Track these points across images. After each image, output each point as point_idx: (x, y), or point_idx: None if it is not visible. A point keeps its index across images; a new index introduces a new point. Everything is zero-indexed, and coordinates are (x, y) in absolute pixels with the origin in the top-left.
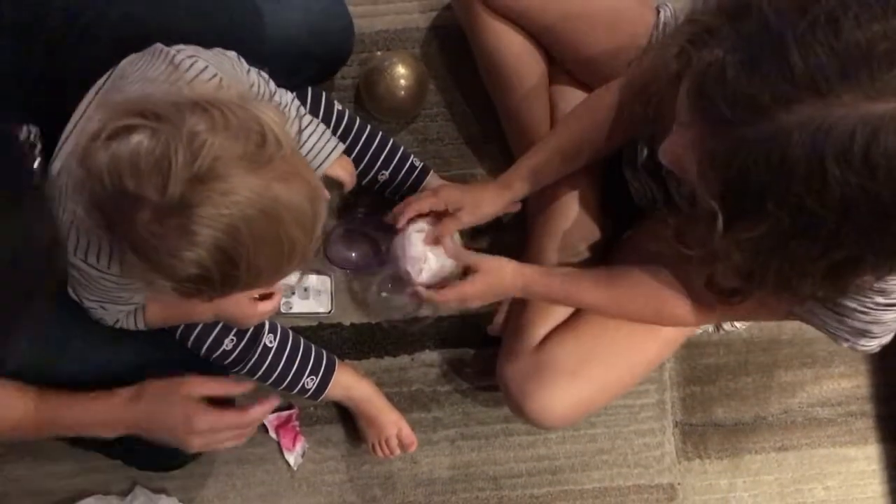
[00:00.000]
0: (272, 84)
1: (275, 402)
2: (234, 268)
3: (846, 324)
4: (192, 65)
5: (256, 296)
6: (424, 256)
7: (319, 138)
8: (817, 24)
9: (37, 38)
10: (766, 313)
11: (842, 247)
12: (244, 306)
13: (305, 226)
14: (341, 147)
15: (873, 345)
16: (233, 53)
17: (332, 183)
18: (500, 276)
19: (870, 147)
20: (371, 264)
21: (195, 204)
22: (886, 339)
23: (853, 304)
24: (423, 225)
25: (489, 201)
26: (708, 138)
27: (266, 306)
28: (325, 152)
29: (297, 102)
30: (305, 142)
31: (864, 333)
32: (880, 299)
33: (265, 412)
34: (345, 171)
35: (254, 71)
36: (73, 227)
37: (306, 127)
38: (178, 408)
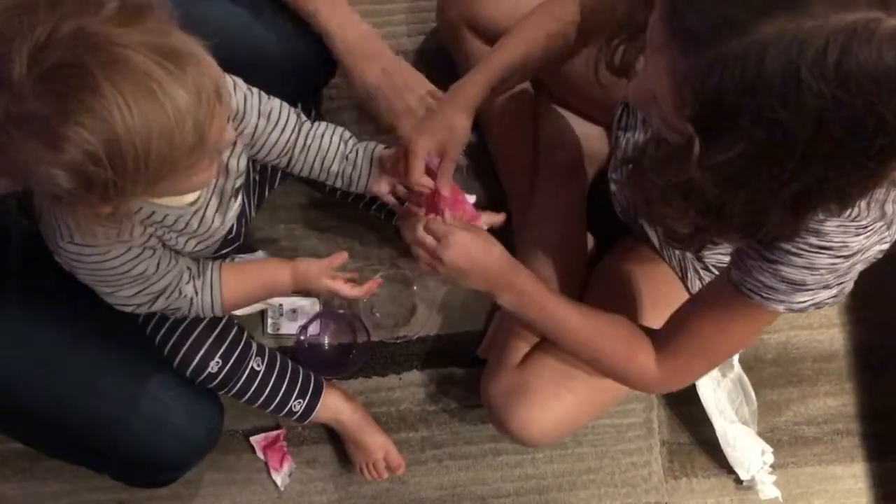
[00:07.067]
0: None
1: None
2: (96, 101)
3: (780, 274)
4: None
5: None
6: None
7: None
8: None
9: None
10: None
11: (812, 165)
12: (316, 276)
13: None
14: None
15: (807, 301)
16: None
17: None
18: (487, 250)
19: (842, 57)
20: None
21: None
22: (819, 298)
23: (787, 246)
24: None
25: (462, 126)
26: (683, 60)
27: (343, 288)
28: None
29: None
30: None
31: (799, 286)
32: (814, 240)
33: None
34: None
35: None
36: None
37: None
38: None
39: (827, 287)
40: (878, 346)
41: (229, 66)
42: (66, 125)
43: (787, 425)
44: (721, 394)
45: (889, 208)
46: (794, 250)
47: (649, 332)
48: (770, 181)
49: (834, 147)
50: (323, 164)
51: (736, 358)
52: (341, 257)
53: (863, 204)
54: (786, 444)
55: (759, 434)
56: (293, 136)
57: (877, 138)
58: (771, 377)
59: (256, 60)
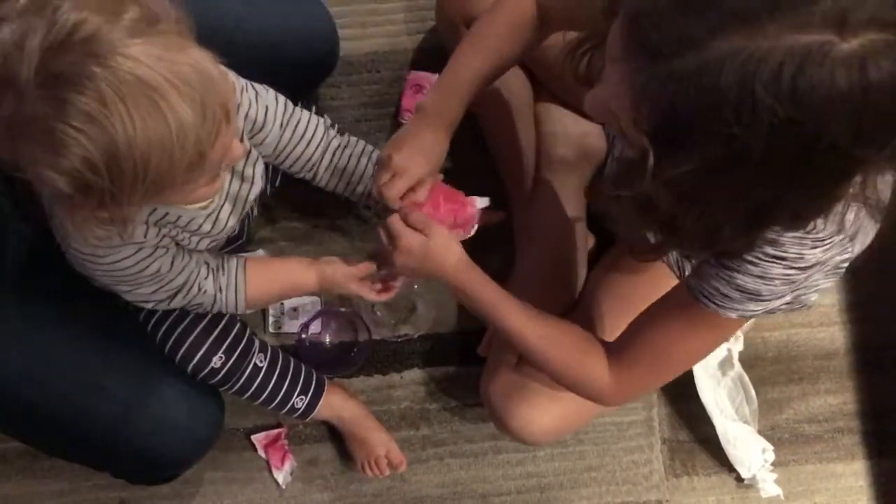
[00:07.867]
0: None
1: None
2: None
3: (735, 282)
4: None
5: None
6: None
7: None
8: None
9: None
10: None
11: (764, 183)
12: (344, 281)
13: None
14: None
15: (759, 309)
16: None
17: None
18: (444, 249)
19: (797, 78)
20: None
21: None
22: (772, 306)
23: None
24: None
25: (444, 149)
26: (640, 72)
27: (370, 293)
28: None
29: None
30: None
31: (753, 295)
32: (769, 249)
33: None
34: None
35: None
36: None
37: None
38: None
39: (781, 297)
40: (879, 344)
41: (224, 60)
42: (67, 132)
43: (788, 423)
44: (721, 392)
45: (848, 222)
46: (749, 258)
47: (604, 344)
48: (723, 197)
49: (786, 166)
50: (348, 184)
51: (736, 356)
52: (367, 267)
53: (820, 218)
54: (786, 441)
55: (760, 432)
56: (318, 152)
57: (829, 159)
58: (771, 375)
59: (251, 55)
